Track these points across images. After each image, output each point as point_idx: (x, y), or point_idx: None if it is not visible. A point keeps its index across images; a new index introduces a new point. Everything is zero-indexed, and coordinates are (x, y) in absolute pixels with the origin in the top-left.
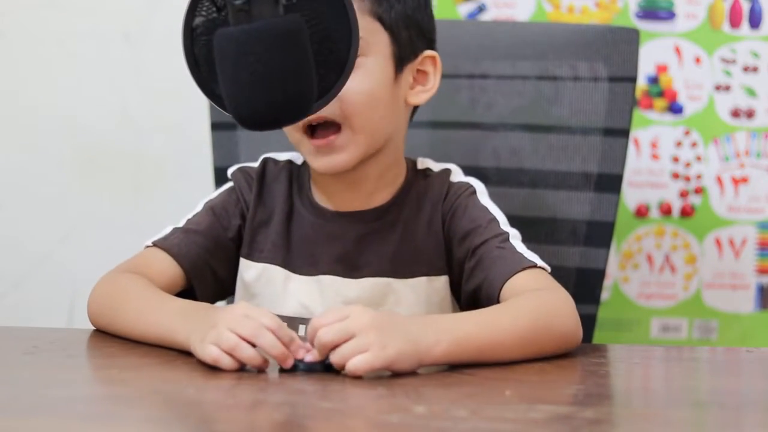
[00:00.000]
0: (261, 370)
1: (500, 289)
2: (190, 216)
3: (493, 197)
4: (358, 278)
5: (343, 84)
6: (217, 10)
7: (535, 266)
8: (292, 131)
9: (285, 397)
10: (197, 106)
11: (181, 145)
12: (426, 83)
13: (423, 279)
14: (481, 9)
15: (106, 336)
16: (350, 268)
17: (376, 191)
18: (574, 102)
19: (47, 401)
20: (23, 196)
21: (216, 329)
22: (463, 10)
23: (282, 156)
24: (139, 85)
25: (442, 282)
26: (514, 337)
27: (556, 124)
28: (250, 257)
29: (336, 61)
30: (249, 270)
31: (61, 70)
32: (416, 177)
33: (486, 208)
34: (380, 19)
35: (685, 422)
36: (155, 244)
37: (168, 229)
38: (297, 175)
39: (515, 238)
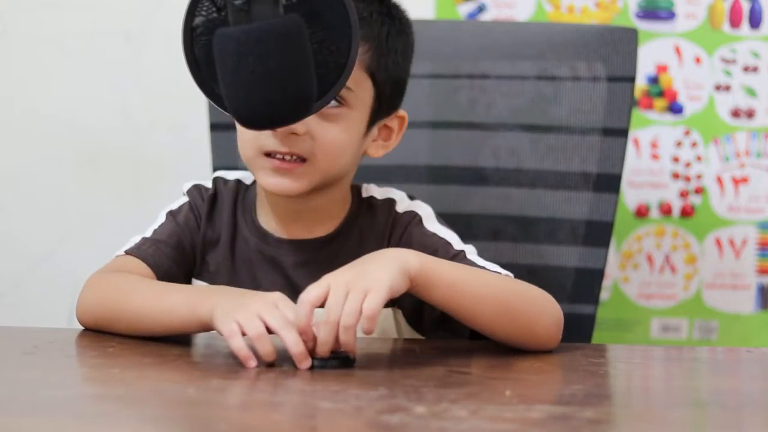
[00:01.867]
0: (271, 364)
1: None
2: (155, 227)
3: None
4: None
5: (343, 84)
6: (217, 10)
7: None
8: (249, 147)
9: (285, 397)
10: (197, 106)
11: (181, 145)
12: (388, 140)
13: None
14: (481, 9)
15: (106, 336)
16: (294, 295)
17: (319, 223)
18: (573, 102)
19: (47, 401)
20: (23, 196)
21: (246, 310)
22: (463, 10)
23: (232, 175)
24: (139, 85)
25: (383, 315)
26: (489, 292)
27: (555, 124)
28: (199, 276)
29: (336, 61)
30: None
31: (61, 70)
32: (360, 207)
33: (435, 234)
34: (372, 76)
35: (685, 422)
36: (129, 253)
37: (137, 239)
38: (243, 196)
39: (472, 253)
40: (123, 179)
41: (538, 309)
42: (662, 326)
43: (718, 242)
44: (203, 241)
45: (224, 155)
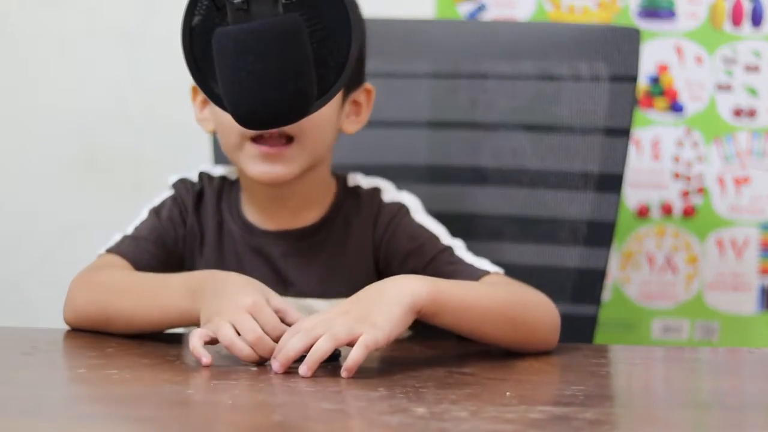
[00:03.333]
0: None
1: None
2: (137, 223)
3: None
4: (289, 296)
5: (343, 84)
6: (216, 9)
7: (488, 273)
8: (232, 134)
9: (285, 397)
10: None
11: (181, 145)
12: (359, 114)
13: None
14: (481, 8)
15: (104, 336)
16: (281, 286)
17: (303, 209)
18: (575, 102)
19: (46, 401)
20: (23, 196)
21: (219, 318)
22: (463, 10)
23: (217, 171)
24: (139, 85)
25: None
26: (492, 306)
27: (556, 124)
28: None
29: (335, 60)
30: None
31: (61, 70)
32: (346, 196)
33: (422, 226)
34: None
35: (686, 423)
36: (110, 251)
37: (117, 237)
38: (228, 191)
39: (460, 248)
40: (123, 179)
41: (538, 316)
42: (663, 327)
43: (720, 243)
44: (190, 236)
45: (225, 155)
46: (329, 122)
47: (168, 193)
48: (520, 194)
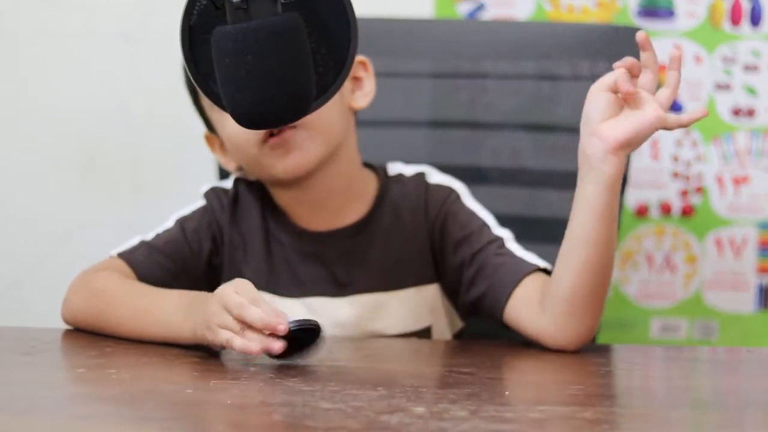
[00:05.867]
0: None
1: (507, 298)
2: (160, 231)
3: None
4: (347, 296)
5: (342, 82)
6: (215, 8)
7: (537, 269)
8: (247, 147)
9: (285, 397)
10: None
11: (182, 144)
12: (363, 88)
13: (412, 289)
14: (479, 8)
15: (103, 336)
16: (338, 287)
17: (346, 206)
18: (576, 101)
19: (45, 401)
20: (23, 196)
21: (209, 310)
22: (462, 9)
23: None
24: (139, 85)
25: (431, 290)
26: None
27: (557, 124)
28: None
29: (335, 59)
30: None
31: (61, 70)
32: (389, 184)
33: (474, 213)
34: None
35: (685, 422)
36: (121, 256)
37: (135, 241)
38: (270, 196)
39: (509, 240)
40: (122, 179)
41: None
42: (662, 326)
43: (718, 242)
44: (230, 247)
45: None
46: (329, 105)
47: (199, 203)
48: (521, 194)
